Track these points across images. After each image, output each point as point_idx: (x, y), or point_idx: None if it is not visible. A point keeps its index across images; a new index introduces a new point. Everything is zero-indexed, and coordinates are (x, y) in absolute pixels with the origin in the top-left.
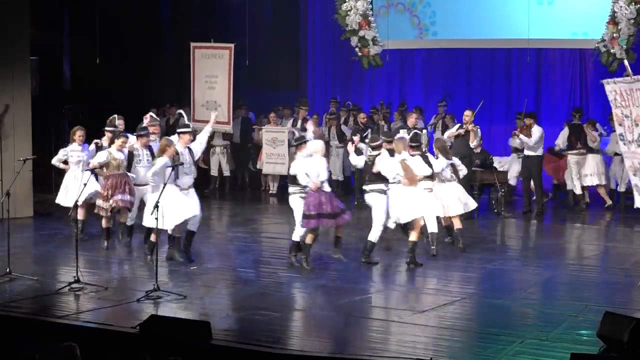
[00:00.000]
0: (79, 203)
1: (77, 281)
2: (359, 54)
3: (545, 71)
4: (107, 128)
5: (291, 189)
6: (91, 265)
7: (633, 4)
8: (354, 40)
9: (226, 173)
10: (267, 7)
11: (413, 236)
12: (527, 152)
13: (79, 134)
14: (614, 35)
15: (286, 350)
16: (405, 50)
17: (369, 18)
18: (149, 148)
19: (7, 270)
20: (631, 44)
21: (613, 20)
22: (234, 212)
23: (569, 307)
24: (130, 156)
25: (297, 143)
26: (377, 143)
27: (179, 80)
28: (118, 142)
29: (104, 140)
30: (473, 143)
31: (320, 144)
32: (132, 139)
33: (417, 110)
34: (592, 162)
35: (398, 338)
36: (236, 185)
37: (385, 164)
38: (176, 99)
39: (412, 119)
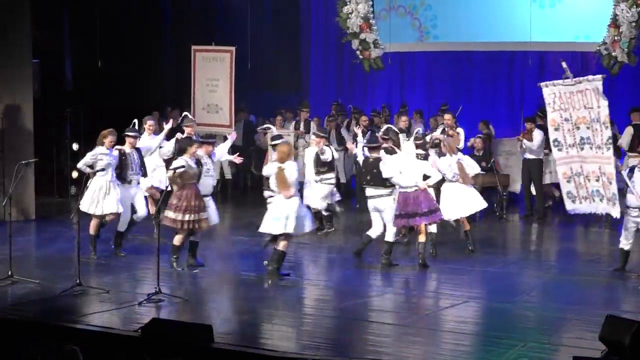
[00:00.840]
0: (97, 213)
1: (79, 284)
2: (360, 56)
3: (547, 74)
4: (128, 133)
5: (266, 193)
6: (93, 268)
7: (634, 7)
8: (355, 43)
9: (228, 176)
10: (268, 9)
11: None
12: (527, 156)
13: (110, 138)
14: (615, 38)
15: (287, 354)
16: (406, 53)
17: (370, 21)
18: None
19: (9, 273)
20: (632, 46)
21: (614, 23)
22: (236, 215)
23: (570, 311)
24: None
25: (273, 143)
26: (376, 145)
27: (180, 83)
28: (191, 148)
29: (127, 147)
30: (460, 145)
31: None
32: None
33: (417, 113)
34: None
35: (399, 341)
36: (238, 188)
37: (391, 164)
38: (177, 101)
39: (402, 122)
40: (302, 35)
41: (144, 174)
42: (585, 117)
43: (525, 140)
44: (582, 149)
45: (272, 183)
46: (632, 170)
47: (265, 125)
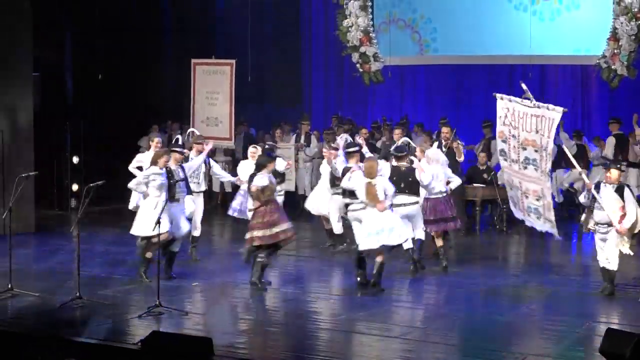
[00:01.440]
0: (154, 233)
1: (79, 297)
2: (360, 70)
3: (547, 87)
4: (175, 148)
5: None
6: (93, 281)
7: (634, 20)
8: (355, 57)
9: (228, 189)
10: (268, 23)
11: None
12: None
13: (165, 158)
14: (615, 51)
15: None
16: (406, 67)
17: (370, 34)
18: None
19: (9, 286)
20: (632, 60)
21: (614, 37)
22: (236, 228)
23: (571, 323)
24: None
25: (349, 150)
26: (404, 154)
27: (180, 96)
28: (270, 165)
29: (172, 163)
30: (460, 158)
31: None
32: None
33: (418, 126)
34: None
35: (401, 354)
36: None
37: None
38: (177, 115)
39: (396, 135)
40: (302, 48)
41: (189, 192)
42: (535, 141)
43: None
44: (525, 167)
45: (361, 196)
46: (597, 186)
47: (269, 143)
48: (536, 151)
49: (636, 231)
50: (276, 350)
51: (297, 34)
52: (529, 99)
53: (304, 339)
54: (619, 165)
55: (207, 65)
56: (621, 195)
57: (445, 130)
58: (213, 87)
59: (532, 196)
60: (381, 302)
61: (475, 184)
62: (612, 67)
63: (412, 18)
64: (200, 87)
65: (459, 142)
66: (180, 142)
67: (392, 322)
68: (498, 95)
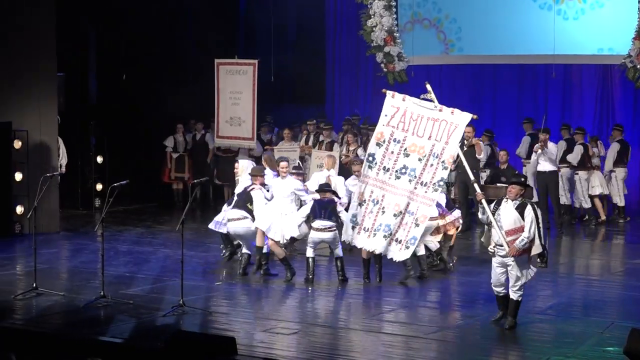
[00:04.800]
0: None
1: (104, 296)
2: (384, 70)
3: (571, 87)
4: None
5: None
6: (117, 280)
7: None
8: (379, 56)
9: None
10: (292, 23)
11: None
12: (541, 168)
13: (283, 165)
14: None
15: None
16: (431, 66)
17: (394, 34)
18: None
19: (34, 285)
20: None
21: (639, 36)
22: None
23: (594, 324)
24: None
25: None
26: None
27: (204, 96)
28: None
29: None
30: (480, 156)
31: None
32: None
33: None
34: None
35: (422, 355)
36: None
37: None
38: (201, 115)
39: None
40: (326, 48)
41: None
42: (424, 149)
43: (550, 143)
44: (397, 177)
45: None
46: (499, 201)
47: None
48: (419, 160)
49: (534, 253)
50: (299, 349)
51: (321, 34)
52: (431, 100)
53: (326, 337)
54: (522, 180)
55: (230, 65)
56: (522, 214)
57: (467, 129)
58: (236, 87)
59: (391, 211)
60: (398, 302)
61: (498, 184)
62: (638, 66)
63: (437, 17)
64: (224, 87)
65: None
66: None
67: (409, 322)
68: (389, 93)
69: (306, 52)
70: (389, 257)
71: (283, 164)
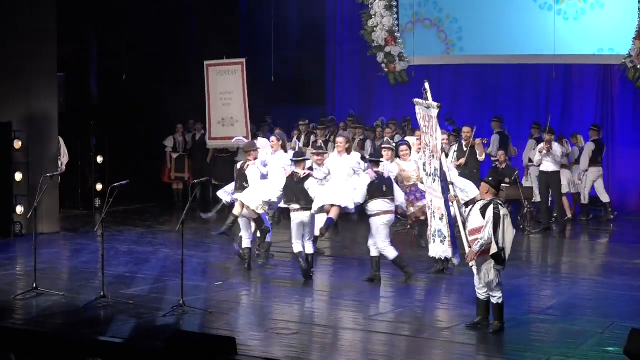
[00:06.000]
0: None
1: (104, 296)
2: (385, 70)
3: (571, 87)
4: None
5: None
6: (117, 281)
7: None
8: (380, 56)
9: None
10: (292, 23)
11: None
12: (545, 168)
13: (339, 141)
14: None
15: None
16: (432, 66)
17: (395, 34)
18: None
19: (34, 285)
20: None
21: None
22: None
23: (594, 324)
24: None
25: (295, 159)
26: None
27: (204, 96)
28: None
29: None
30: (481, 157)
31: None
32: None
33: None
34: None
35: (422, 355)
36: None
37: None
38: (202, 115)
39: (387, 132)
40: (327, 48)
41: None
42: (437, 147)
43: (555, 144)
44: (434, 180)
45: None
46: (473, 203)
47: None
48: (438, 160)
49: (490, 254)
50: (299, 350)
51: (322, 34)
52: (426, 99)
53: (327, 338)
54: (490, 179)
55: (219, 66)
56: (484, 214)
57: (466, 129)
58: (226, 87)
59: (437, 214)
60: (401, 302)
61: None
62: (638, 66)
63: (438, 17)
64: (214, 89)
65: (481, 140)
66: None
67: (412, 322)
68: (415, 100)
69: (307, 52)
70: (454, 261)
71: (340, 139)
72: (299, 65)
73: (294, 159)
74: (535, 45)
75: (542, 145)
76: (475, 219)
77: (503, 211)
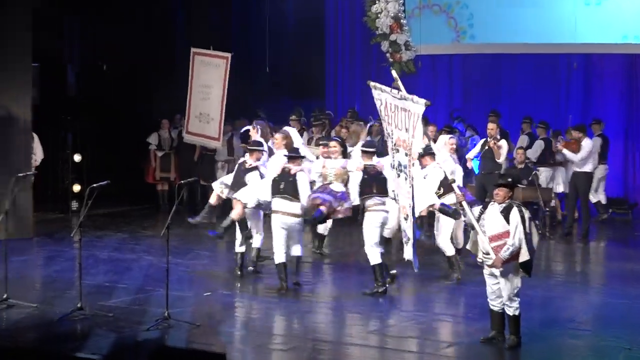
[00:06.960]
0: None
1: (81, 308)
2: (390, 59)
3: (594, 78)
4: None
5: None
6: (96, 291)
7: None
8: (385, 45)
9: None
10: (290, 11)
11: None
12: (575, 169)
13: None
14: None
15: None
16: (441, 56)
17: (401, 21)
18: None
19: (4, 296)
20: None
21: None
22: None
23: (623, 339)
24: None
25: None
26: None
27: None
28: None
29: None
30: (500, 160)
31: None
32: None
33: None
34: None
35: None
36: None
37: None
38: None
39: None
40: (326, 37)
41: None
42: (406, 142)
43: (565, 151)
44: (398, 175)
45: None
46: (485, 206)
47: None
48: (406, 155)
49: (521, 260)
50: None
51: (321, 22)
52: (397, 88)
53: (322, 352)
54: (509, 181)
55: (204, 56)
56: (507, 218)
57: (490, 126)
58: (207, 81)
59: (402, 213)
60: (409, 315)
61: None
62: None
63: (447, 3)
64: (197, 79)
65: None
66: None
67: (423, 337)
68: (371, 84)
69: (304, 42)
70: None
71: (333, 143)
72: (296, 56)
73: (288, 154)
74: (553, 33)
75: (558, 144)
76: (495, 223)
77: (527, 214)
